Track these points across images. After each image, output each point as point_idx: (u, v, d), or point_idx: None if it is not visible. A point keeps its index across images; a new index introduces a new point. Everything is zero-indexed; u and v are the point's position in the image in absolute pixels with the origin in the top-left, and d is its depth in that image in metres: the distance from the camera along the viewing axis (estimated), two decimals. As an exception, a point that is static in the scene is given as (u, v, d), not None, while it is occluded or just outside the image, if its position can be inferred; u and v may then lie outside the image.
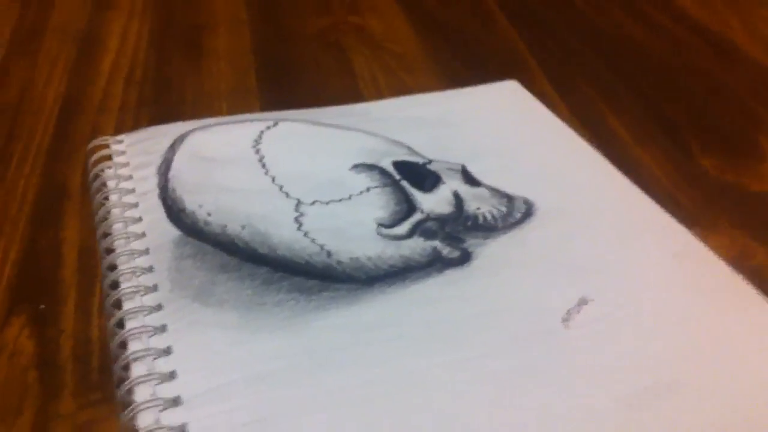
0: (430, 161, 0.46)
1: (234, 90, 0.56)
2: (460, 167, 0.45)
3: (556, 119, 0.50)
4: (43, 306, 0.39)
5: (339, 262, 0.39)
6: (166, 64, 0.60)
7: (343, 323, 0.35)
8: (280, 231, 0.40)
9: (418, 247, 0.40)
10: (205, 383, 0.32)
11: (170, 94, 0.56)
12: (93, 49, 0.62)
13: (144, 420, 0.30)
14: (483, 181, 0.45)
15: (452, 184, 0.44)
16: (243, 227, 0.40)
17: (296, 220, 0.41)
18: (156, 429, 0.30)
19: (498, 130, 0.50)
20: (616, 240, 0.41)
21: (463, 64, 0.60)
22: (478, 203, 0.43)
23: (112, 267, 0.38)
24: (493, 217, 0.42)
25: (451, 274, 0.38)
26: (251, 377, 0.32)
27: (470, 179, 0.45)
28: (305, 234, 0.40)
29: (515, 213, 0.42)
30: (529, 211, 0.43)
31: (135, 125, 0.50)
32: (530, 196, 0.43)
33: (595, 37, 0.64)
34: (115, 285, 0.37)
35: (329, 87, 0.57)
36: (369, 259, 0.39)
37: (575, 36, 0.65)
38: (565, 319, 0.36)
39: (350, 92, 0.56)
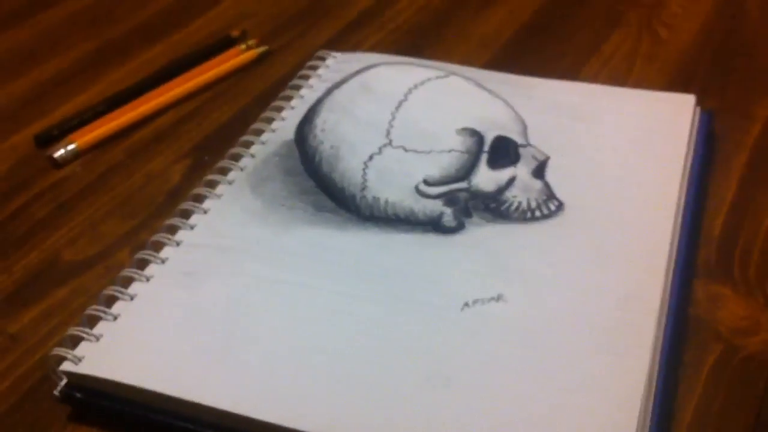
0: (527, 145, 0.51)
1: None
2: (543, 158, 0.50)
3: (683, 144, 0.50)
4: (207, 158, 0.56)
5: (363, 198, 0.48)
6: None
7: (307, 238, 0.46)
8: (351, 159, 0.51)
9: (430, 207, 0.47)
10: (196, 239, 0.46)
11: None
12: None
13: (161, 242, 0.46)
14: (549, 175, 0.49)
15: (521, 170, 0.49)
16: (332, 147, 0.52)
17: (371, 155, 0.51)
18: (150, 254, 0.46)
19: (617, 134, 0.51)
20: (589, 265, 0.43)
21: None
22: (520, 192, 0.48)
23: (242, 143, 0.53)
24: (516, 208, 0.47)
25: (428, 238, 0.46)
26: (219, 246, 0.46)
27: (539, 172, 0.49)
28: (364, 168, 0.50)
29: (539, 210, 0.47)
30: (551, 213, 0.46)
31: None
32: (574, 202, 0.47)
33: None
34: (231, 155, 0.52)
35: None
36: (386, 203, 0.48)
37: None
38: (467, 305, 0.42)
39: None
